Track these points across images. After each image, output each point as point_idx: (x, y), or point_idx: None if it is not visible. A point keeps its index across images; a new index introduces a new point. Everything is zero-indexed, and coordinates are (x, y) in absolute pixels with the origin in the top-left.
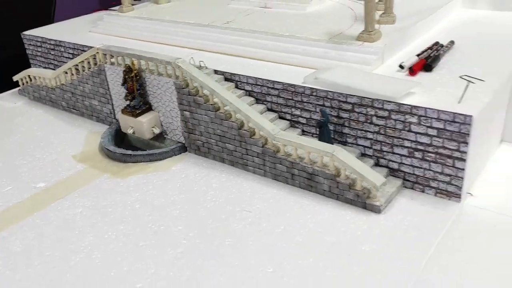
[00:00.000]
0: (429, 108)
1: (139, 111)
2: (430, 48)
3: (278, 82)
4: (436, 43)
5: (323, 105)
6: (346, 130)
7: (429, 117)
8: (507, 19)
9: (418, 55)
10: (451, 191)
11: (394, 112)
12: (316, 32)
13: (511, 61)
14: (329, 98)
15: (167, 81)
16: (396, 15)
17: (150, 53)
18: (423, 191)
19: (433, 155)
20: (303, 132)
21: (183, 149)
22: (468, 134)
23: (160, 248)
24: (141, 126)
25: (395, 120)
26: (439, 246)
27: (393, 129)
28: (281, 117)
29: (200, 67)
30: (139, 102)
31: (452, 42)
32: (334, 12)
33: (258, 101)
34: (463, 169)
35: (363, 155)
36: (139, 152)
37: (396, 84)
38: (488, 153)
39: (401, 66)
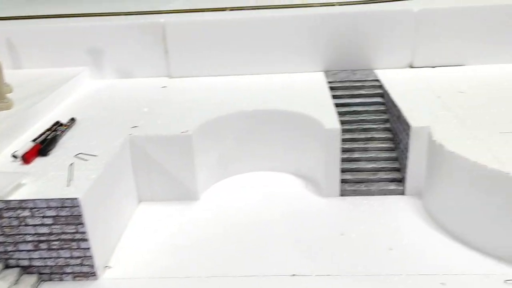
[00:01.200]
0: (38, 199)
1: None
2: (49, 129)
3: None
4: (56, 123)
5: None
6: None
7: (40, 208)
8: (130, 86)
9: (34, 140)
10: (86, 271)
11: (4, 210)
12: None
13: (127, 128)
14: None
15: None
16: (12, 100)
17: None
18: (61, 279)
19: (57, 242)
20: None
21: None
22: (81, 215)
23: None
24: None
25: (9, 217)
26: None
27: (11, 227)
28: None
29: None
30: None
31: (73, 119)
32: None
33: None
34: (88, 248)
35: None
36: None
37: (2, 179)
38: (123, 220)
39: (15, 156)
